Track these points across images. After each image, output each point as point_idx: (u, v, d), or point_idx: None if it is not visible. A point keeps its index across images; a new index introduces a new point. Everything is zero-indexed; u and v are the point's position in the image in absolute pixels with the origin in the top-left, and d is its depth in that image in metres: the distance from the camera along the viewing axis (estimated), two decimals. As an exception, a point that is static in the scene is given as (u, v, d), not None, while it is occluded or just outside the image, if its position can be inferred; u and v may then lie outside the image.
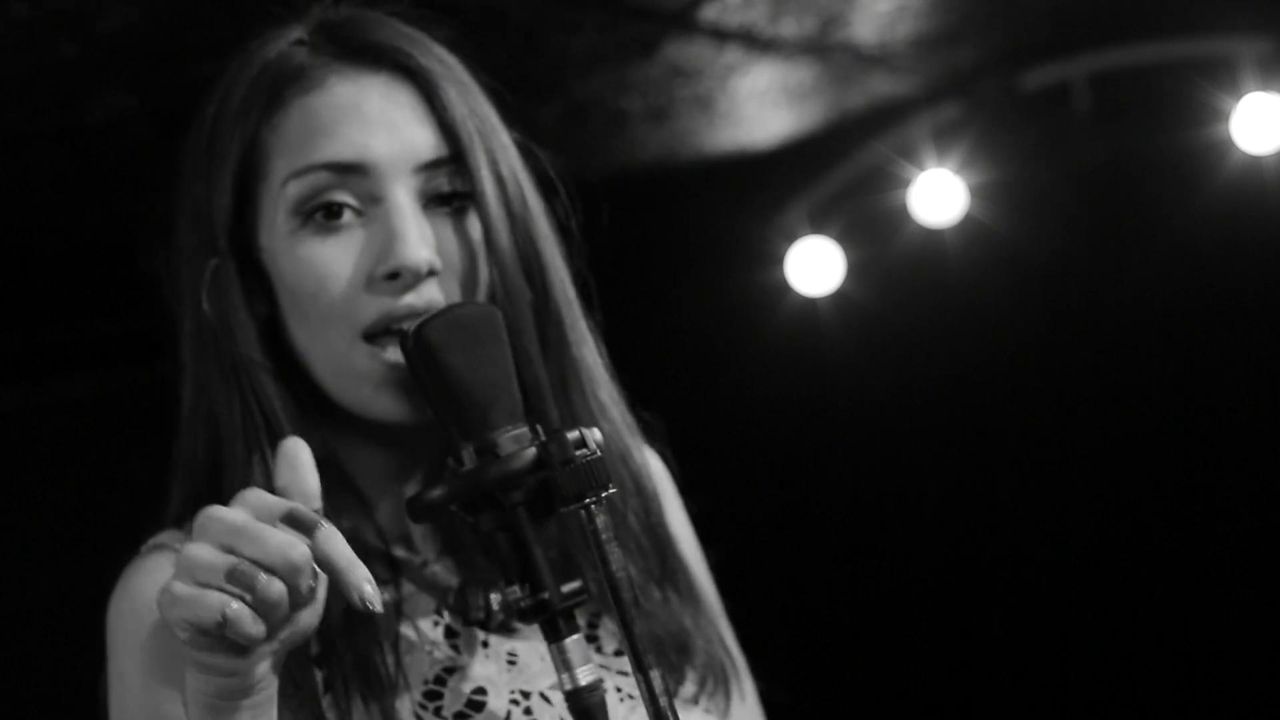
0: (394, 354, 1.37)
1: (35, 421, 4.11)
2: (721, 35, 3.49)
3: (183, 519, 1.45)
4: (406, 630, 1.41)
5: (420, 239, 1.37)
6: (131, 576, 1.40)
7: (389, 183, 1.38)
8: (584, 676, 1.25)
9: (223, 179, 1.42)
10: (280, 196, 1.40)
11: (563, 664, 1.26)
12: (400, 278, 1.36)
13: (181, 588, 1.14)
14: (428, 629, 1.42)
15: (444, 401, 1.30)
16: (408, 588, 1.44)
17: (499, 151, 1.45)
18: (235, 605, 1.12)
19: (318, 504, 1.21)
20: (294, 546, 1.14)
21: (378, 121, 1.40)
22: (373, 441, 1.46)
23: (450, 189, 1.42)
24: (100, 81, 2.92)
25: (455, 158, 1.41)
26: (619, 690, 1.44)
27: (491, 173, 1.42)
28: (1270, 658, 4.38)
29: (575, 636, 1.26)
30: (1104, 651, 4.68)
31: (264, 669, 1.18)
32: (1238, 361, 4.38)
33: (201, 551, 1.14)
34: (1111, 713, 4.68)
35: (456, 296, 1.39)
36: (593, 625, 1.50)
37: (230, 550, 1.13)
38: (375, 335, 1.38)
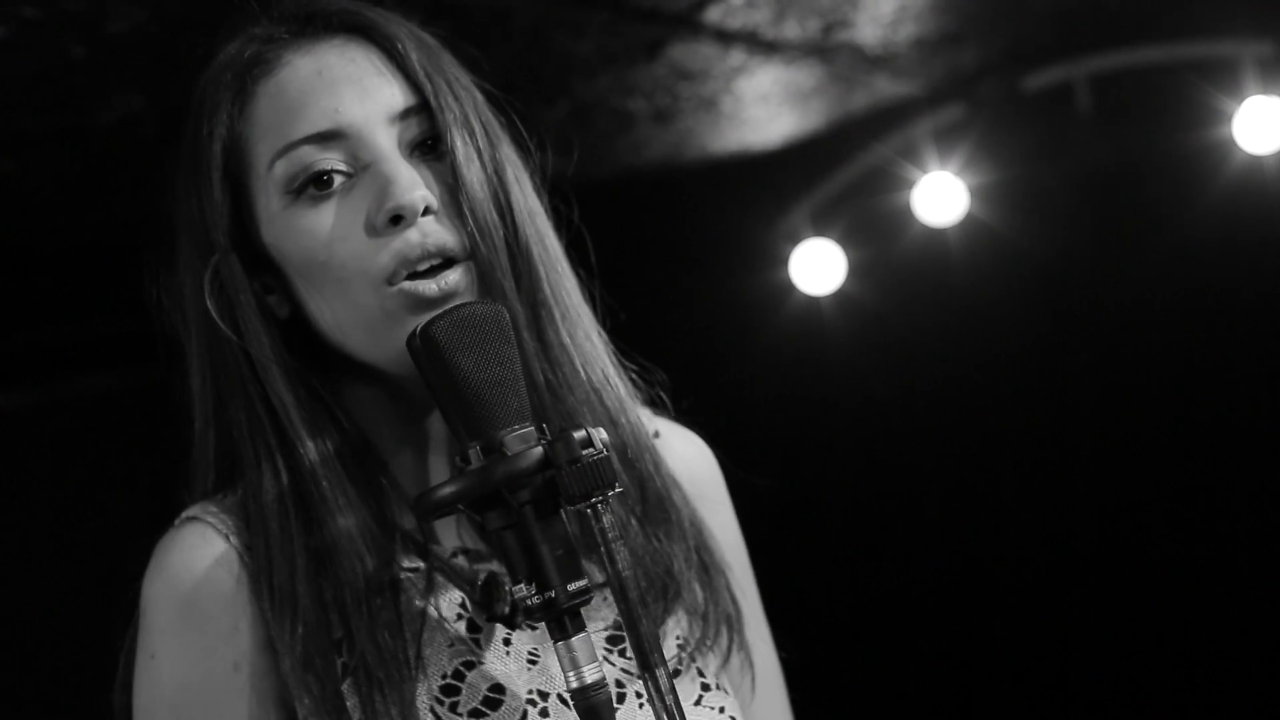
0: (411, 288, 1.38)
1: (44, 420, 4.12)
2: (726, 37, 3.50)
3: (213, 491, 1.47)
4: (429, 629, 1.41)
5: (412, 180, 1.39)
6: (166, 553, 1.42)
7: (368, 138, 1.41)
8: (590, 675, 1.26)
9: (211, 181, 1.44)
10: (269, 180, 1.42)
11: (569, 662, 1.26)
12: (402, 219, 1.39)
13: None
14: (451, 620, 1.43)
15: (451, 400, 1.30)
16: (436, 577, 1.44)
17: (462, 93, 1.47)
18: None
19: None
20: None
21: (343, 83, 1.42)
22: (397, 418, 1.47)
23: (427, 134, 1.44)
24: (109, 82, 2.93)
25: (424, 105, 1.44)
26: (639, 696, 1.44)
27: (457, 114, 1.45)
28: (1270, 658, 4.39)
29: (582, 635, 1.27)
30: (1105, 652, 4.68)
31: None
32: (1238, 361, 4.39)
33: None
34: (1112, 713, 4.69)
35: (457, 233, 1.40)
36: (618, 626, 1.49)
37: None
38: (396, 279, 1.39)
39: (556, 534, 1.28)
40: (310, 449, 1.42)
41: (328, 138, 1.41)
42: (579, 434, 1.25)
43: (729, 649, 1.53)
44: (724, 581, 1.55)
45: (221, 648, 1.38)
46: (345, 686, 1.36)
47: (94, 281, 3.81)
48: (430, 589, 1.43)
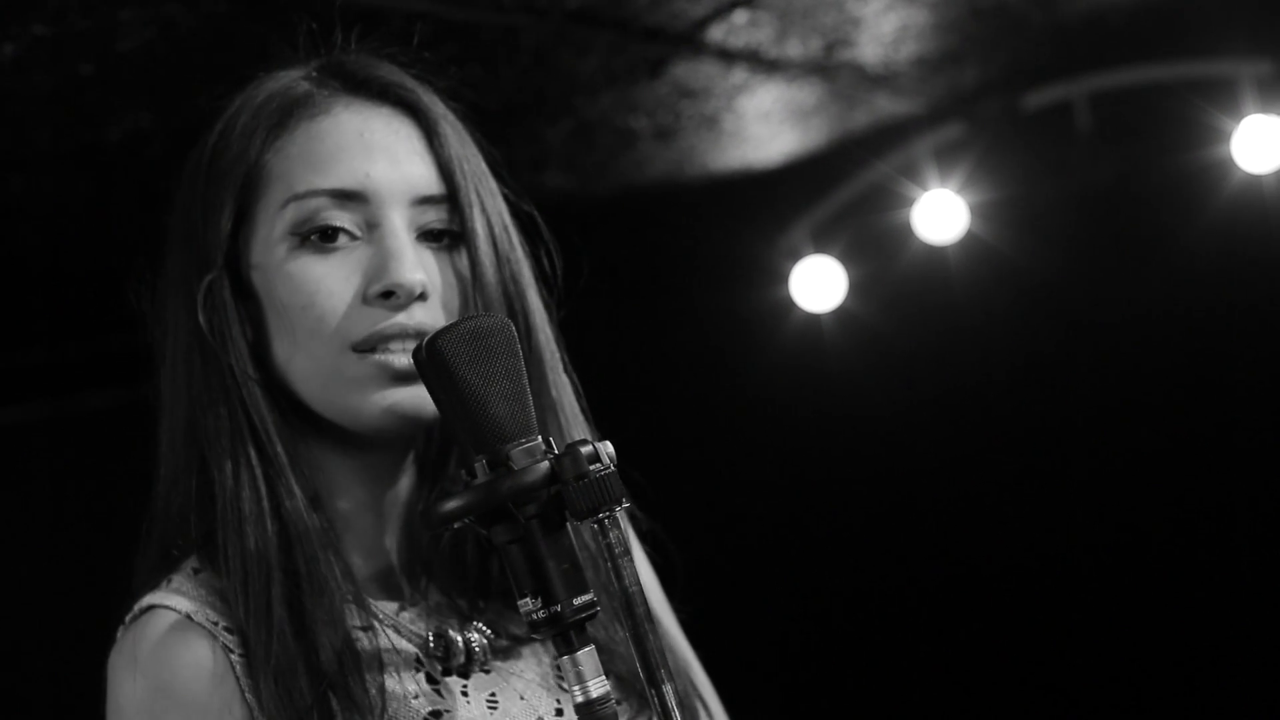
0: (382, 359, 1.40)
1: (50, 437, 4.13)
2: (728, 56, 3.51)
3: (163, 570, 1.45)
4: (391, 683, 1.40)
5: (415, 261, 1.41)
6: (135, 646, 1.39)
7: (386, 210, 1.43)
8: (595, 689, 1.26)
9: (222, 199, 1.45)
10: (278, 217, 1.43)
11: (575, 676, 1.26)
12: (394, 297, 1.40)
13: None
14: (408, 679, 1.42)
15: (457, 413, 1.30)
16: (385, 639, 1.43)
17: (488, 196, 1.50)
18: None
19: None
20: None
21: (380, 151, 1.44)
22: (358, 469, 1.48)
23: (441, 226, 1.46)
24: (118, 100, 2.94)
25: (449, 197, 1.46)
26: None
27: (481, 213, 1.47)
28: (1271, 665, 4.39)
29: (588, 649, 1.26)
30: (1107, 665, 4.68)
31: None
32: (1237, 379, 4.39)
33: None
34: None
35: (442, 324, 1.40)
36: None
37: None
38: (363, 350, 1.41)
39: (562, 548, 1.27)
40: (291, 468, 1.43)
41: (349, 197, 1.42)
42: (586, 449, 1.25)
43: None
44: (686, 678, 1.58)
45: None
46: None
47: (100, 298, 3.82)
48: (384, 652, 1.42)
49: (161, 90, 2.92)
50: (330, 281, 1.41)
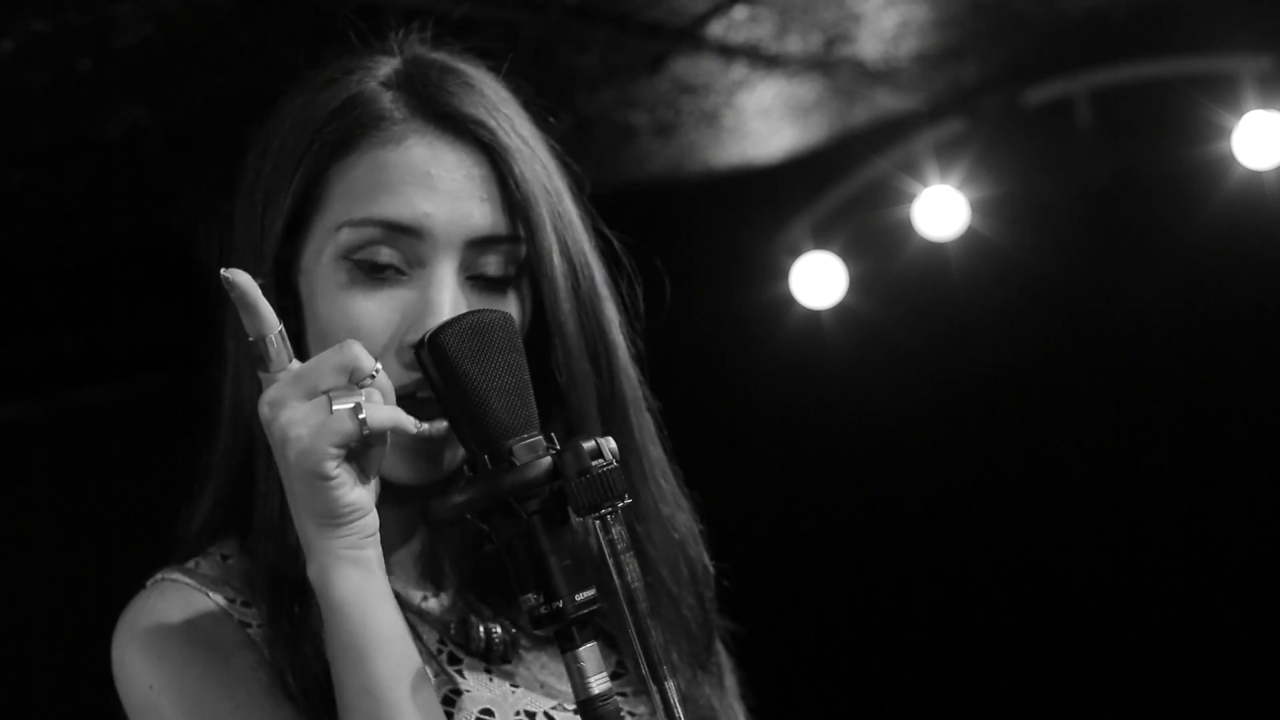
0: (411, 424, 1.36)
1: (49, 431, 4.13)
2: (728, 51, 3.51)
3: (193, 551, 1.46)
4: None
5: (454, 315, 1.36)
6: (141, 610, 1.41)
7: (438, 251, 1.39)
8: (597, 685, 1.26)
9: (281, 199, 1.42)
10: (332, 238, 1.40)
11: (577, 672, 1.26)
12: None
13: (312, 416, 1.25)
14: (428, 661, 1.43)
15: (458, 408, 1.30)
16: (409, 621, 1.43)
17: (569, 232, 1.45)
18: (361, 403, 1.26)
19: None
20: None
21: (444, 194, 1.39)
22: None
23: (497, 272, 1.42)
24: (116, 96, 2.93)
25: (512, 237, 1.42)
26: None
27: (560, 253, 1.43)
28: (1271, 663, 4.39)
29: (589, 645, 1.26)
30: (1107, 661, 4.69)
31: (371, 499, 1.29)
32: (1239, 374, 4.40)
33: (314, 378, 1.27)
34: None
35: None
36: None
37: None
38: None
39: (564, 544, 1.27)
40: None
41: (404, 230, 1.38)
42: (588, 444, 1.25)
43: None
44: (733, 715, 1.60)
45: (226, 657, 1.38)
46: None
47: (99, 293, 3.82)
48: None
49: (159, 85, 2.91)
50: (370, 320, 1.38)
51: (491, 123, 1.44)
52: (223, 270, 1.28)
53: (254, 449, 1.43)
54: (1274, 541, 4.38)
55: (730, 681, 1.62)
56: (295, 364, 1.29)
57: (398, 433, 1.30)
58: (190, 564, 1.45)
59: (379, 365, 1.30)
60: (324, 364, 1.27)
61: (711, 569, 1.57)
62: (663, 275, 1.60)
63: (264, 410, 1.28)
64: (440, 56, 1.50)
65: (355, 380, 1.28)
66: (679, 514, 1.53)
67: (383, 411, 1.28)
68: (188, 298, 1.48)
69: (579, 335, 1.44)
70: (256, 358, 1.30)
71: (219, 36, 2.70)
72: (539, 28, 3.07)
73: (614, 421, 1.46)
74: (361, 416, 1.25)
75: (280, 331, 1.30)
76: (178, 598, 1.41)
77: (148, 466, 1.55)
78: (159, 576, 1.44)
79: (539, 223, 1.42)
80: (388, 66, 1.47)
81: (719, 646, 1.60)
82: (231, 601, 1.41)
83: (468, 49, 1.54)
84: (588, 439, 1.26)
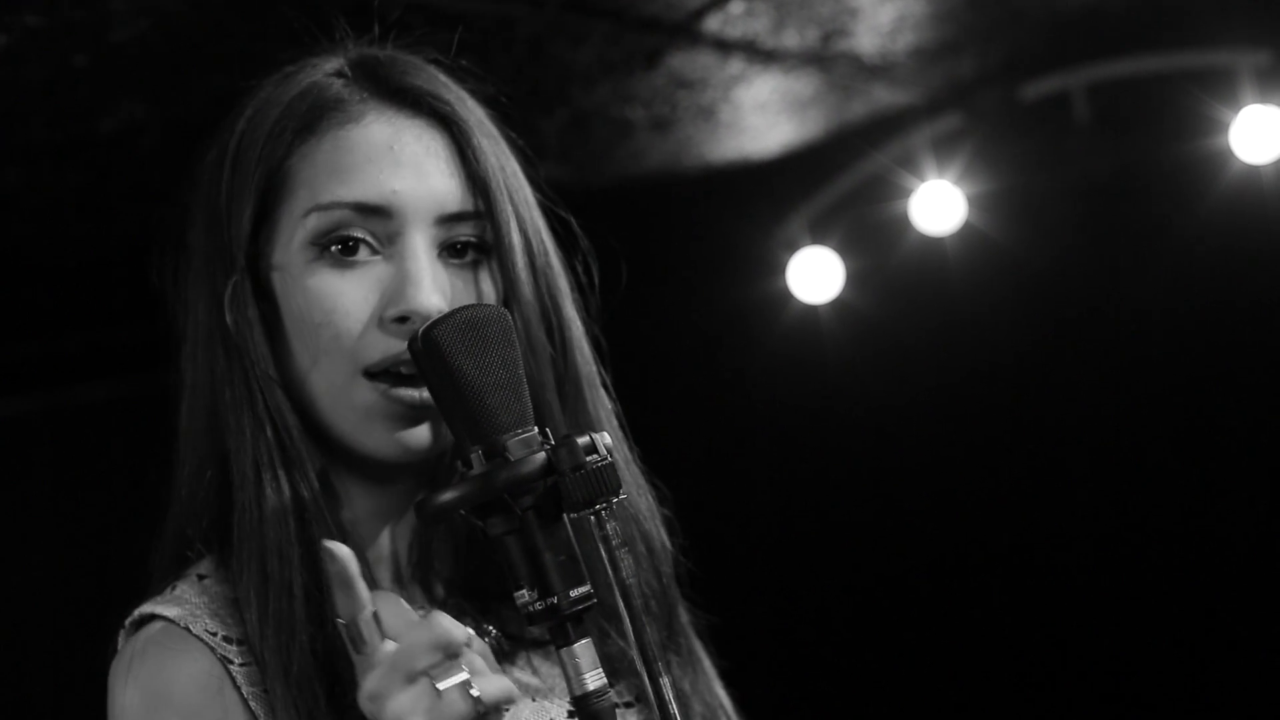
0: (393, 391, 1.37)
1: (47, 429, 4.13)
2: (724, 46, 3.51)
3: (173, 572, 1.44)
4: None
5: (433, 285, 1.38)
6: (130, 656, 1.40)
7: (409, 227, 1.39)
8: (592, 682, 1.25)
9: (245, 195, 1.42)
10: (300, 225, 1.40)
11: (571, 668, 1.25)
12: (409, 322, 1.37)
13: (421, 702, 1.21)
14: None
15: (453, 403, 1.29)
16: None
17: (524, 208, 1.46)
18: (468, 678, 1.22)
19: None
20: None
21: (408, 166, 1.40)
22: (362, 477, 1.46)
23: (467, 242, 1.43)
24: (111, 91, 2.93)
25: (478, 213, 1.43)
26: None
27: (518, 228, 1.44)
28: (1270, 662, 4.39)
29: (584, 641, 1.26)
30: (1107, 659, 4.69)
31: None
32: (1237, 370, 4.40)
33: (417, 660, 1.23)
34: None
35: None
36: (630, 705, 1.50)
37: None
38: (376, 374, 1.38)
39: (559, 539, 1.27)
40: (310, 468, 1.42)
41: (372, 210, 1.39)
42: (583, 439, 1.25)
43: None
44: (713, 697, 1.59)
45: None
46: None
47: (96, 290, 3.82)
48: None
49: (155, 81, 2.92)
50: (347, 300, 1.38)
51: (449, 95, 1.46)
52: (325, 542, 1.26)
53: (225, 464, 1.42)
54: (1273, 537, 4.38)
55: (707, 665, 1.61)
56: (388, 644, 1.25)
57: (509, 704, 1.27)
58: (168, 590, 1.43)
59: (471, 632, 1.27)
60: (417, 644, 1.23)
61: (670, 547, 1.55)
62: (619, 257, 1.60)
63: (366, 705, 1.24)
64: (387, 49, 1.51)
65: (450, 654, 1.24)
66: (633, 491, 1.52)
67: (494, 684, 1.25)
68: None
69: (535, 305, 1.45)
70: (348, 639, 1.27)
71: (216, 32, 2.70)
72: (536, 23, 3.07)
73: (568, 396, 1.46)
74: (475, 694, 1.22)
75: (374, 613, 1.27)
76: (166, 647, 1.38)
77: (148, 466, 1.54)
78: (139, 614, 1.42)
79: (497, 194, 1.43)
80: (338, 60, 1.48)
81: (689, 630, 1.59)
82: (214, 635, 1.39)
83: (460, 49, 1.55)
84: (582, 434, 1.25)
